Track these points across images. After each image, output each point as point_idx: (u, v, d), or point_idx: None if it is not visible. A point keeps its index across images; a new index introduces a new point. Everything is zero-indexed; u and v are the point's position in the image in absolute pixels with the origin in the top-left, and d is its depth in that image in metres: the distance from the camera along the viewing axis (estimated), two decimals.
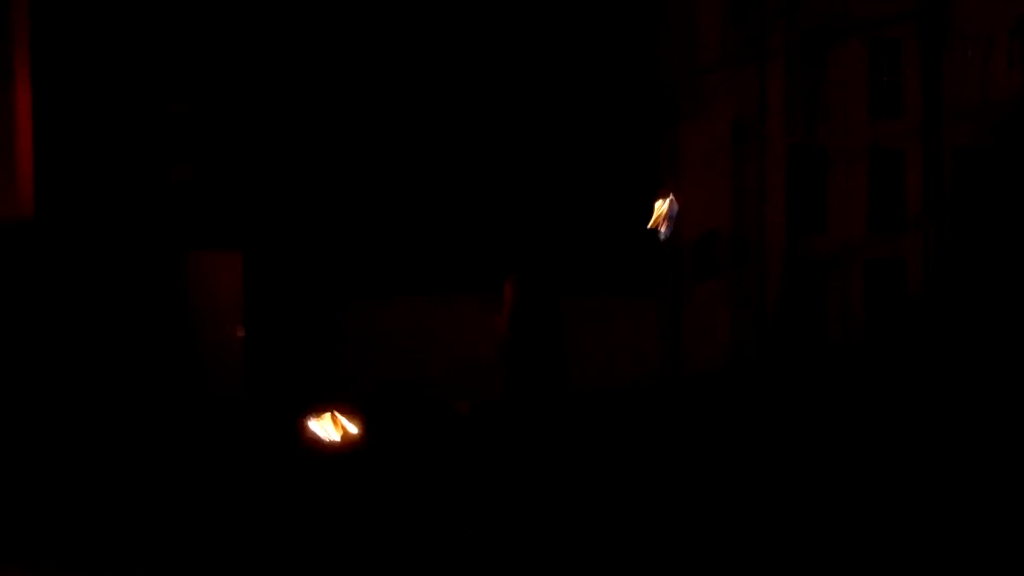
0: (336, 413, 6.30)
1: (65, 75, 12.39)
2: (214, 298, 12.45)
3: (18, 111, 12.12)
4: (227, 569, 6.73)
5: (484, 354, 8.79)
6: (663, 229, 7.14)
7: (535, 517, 7.00)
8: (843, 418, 11.74)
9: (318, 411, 6.37)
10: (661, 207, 7.01)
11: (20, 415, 10.97)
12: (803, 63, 13.44)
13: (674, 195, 7.30)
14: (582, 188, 13.22)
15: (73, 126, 12.52)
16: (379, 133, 13.35)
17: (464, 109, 13.34)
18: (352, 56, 13.28)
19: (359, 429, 6.36)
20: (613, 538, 7.17)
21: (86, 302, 12.06)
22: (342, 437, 6.22)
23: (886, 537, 7.32)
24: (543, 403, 7.39)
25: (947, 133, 13.66)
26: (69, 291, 12.02)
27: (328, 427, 6.25)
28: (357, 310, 13.03)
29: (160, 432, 11.14)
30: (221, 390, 12.23)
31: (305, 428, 6.40)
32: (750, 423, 11.53)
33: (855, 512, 7.92)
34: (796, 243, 13.51)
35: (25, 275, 11.81)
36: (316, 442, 6.37)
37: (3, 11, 11.89)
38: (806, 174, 13.56)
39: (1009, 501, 8.18)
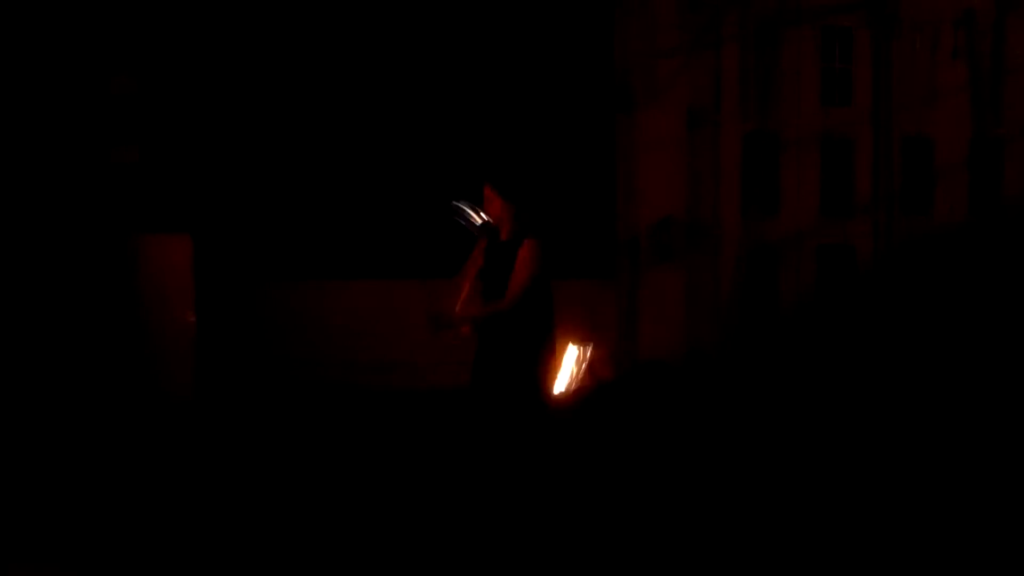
0: None
1: (1, 53, 12.01)
2: (163, 282, 12.16)
3: None
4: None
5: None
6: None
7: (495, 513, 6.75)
8: (798, 397, 11.91)
9: None
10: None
11: None
12: (757, 50, 13.57)
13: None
14: (536, 173, 13.16)
15: (12, 107, 12.14)
16: (330, 113, 13.19)
17: (415, 90, 13.23)
18: (303, 32, 13.10)
19: None
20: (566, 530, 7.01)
21: (29, 287, 11.69)
22: None
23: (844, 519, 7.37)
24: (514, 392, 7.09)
25: (895, 121, 13.91)
26: (13, 276, 11.65)
27: None
28: (315, 292, 12.85)
29: (108, 420, 10.82)
30: (171, 375, 11.95)
31: None
32: (707, 406, 11.61)
33: (815, 494, 7.97)
34: (750, 228, 13.65)
35: None
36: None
37: None
38: (760, 160, 13.71)
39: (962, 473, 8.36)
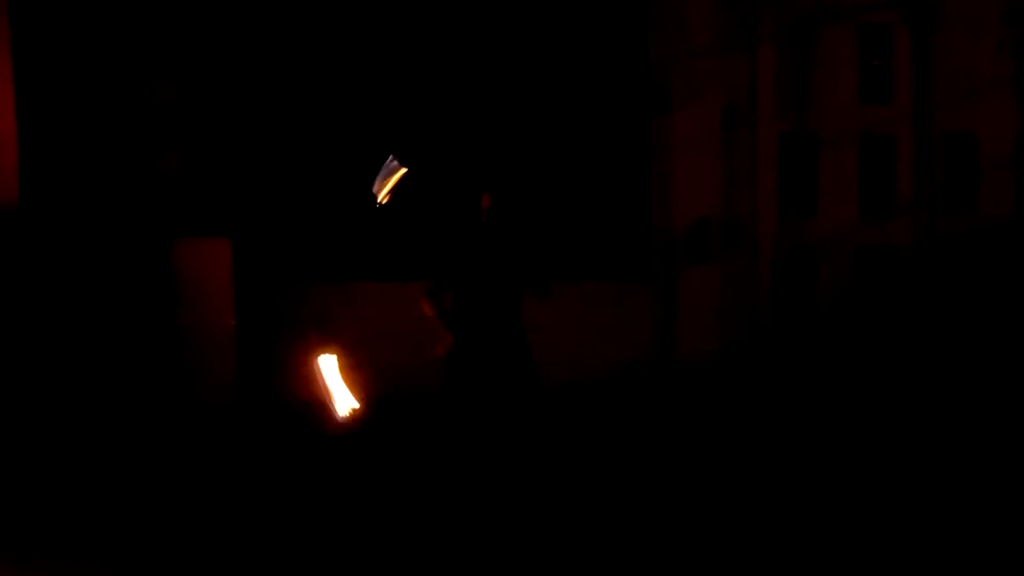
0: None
1: (48, 60, 12.26)
2: (203, 286, 12.34)
3: None
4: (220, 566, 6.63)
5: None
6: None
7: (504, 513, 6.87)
8: (836, 402, 11.75)
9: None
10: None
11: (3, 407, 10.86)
12: (793, 48, 13.43)
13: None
14: (573, 174, 13.18)
15: (57, 113, 12.39)
16: (367, 118, 13.28)
17: (452, 96, 13.28)
18: (340, 41, 13.20)
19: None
20: (589, 534, 7.06)
21: (73, 292, 11.93)
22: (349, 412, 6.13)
23: (879, 527, 7.29)
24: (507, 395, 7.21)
25: (937, 119, 13.68)
26: (56, 281, 11.89)
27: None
28: (352, 294, 12.96)
29: (150, 423, 11.02)
30: (212, 378, 12.13)
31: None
32: (743, 409, 11.51)
33: (848, 499, 7.89)
34: (787, 228, 13.51)
35: (10, 266, 11.68)
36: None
37: None
38: (797, 160, 13.56)
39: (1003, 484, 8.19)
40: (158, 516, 7.62)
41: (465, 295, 7.16)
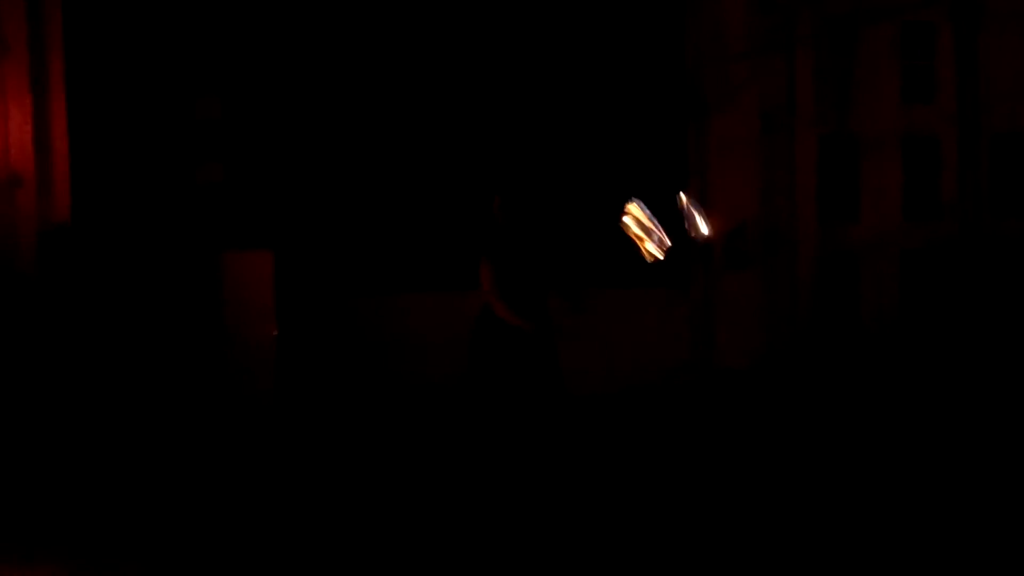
0: None
1: (96, 79, 12.55)
2: (246, 298, 12.54)
3: (53, 115, 12.26)
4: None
5: None
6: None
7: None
8: (878, 414, 11.52)
9: None
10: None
11: (61, 414, 11.18)
12: (832, 50, 13.20)
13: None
14: (608, 179, 13.11)
15: (105, 129, 12.68)
16: (410, 130, 13.37)
17: (490, 102, 13.30)
18: (383, 54, 13.30)
19: None
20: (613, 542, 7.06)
21: (122, 305, 12.21)
22: None
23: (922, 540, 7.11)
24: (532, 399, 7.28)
25: (984, 118, 13.33)
26: (105, 295, 12.18)
27: None
28: (390, 307, 13.05)
29: (193, 429, 11.31)
30: (254, 389, 12.33)
31: None
32: (781, 418, 11.37)
33: (890, 510, 7.73)
34: (828, 233, 13.28)
35: (63, 279, 11.99)
36: None
37: (38, 15, 12.03)
38: (837, 163, 13.32)
39: None
40: (176, 512, 8.01)
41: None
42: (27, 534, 7.49)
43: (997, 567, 6.45)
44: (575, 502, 7.57)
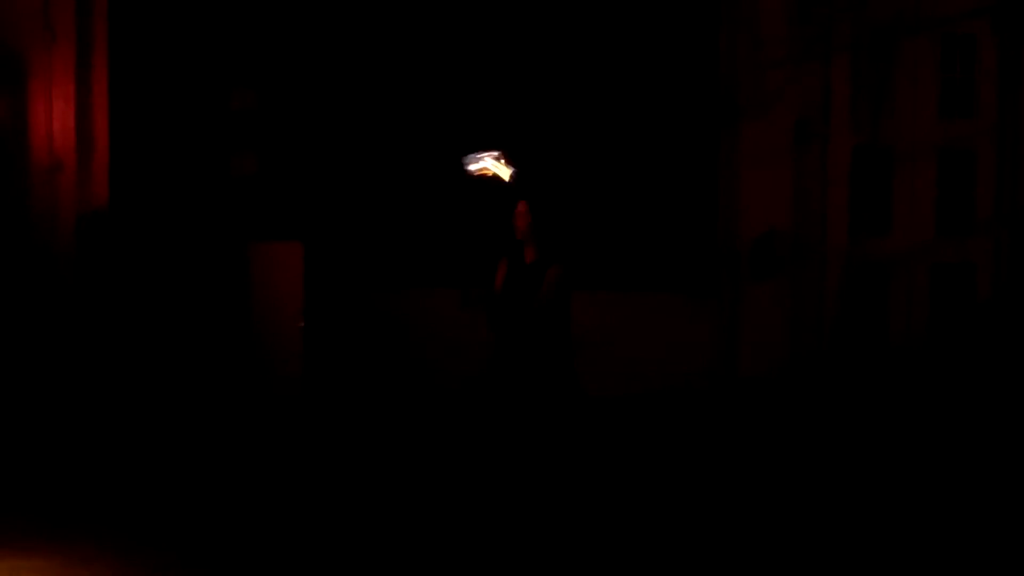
0: None
1: (137, 69, 12.70)
2: (275, 288, 12.68)
3: (95, 104, 12.44)
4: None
5: None
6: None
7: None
8: (900, 426, 11.36)
9: None
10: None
11: (94, 396, 11.41)
12: (870, 60, 13.01)
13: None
14: (639, 185, 13.07)
15: (143, 119, 12.84)
16: (439, 127, 13.39)
17: (522, 104, 13.29)
18: (414, 52, 13.33)
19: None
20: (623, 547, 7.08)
21: (155, 290, 12.40)
22: None
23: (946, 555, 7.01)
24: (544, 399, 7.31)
25: None
26: (139, 279, 12.38)
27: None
28: (414, 301, 13.13)
29: (223, 416, 11.49)
30: (281, 378, 12.48)
31: None
32: (801, 428, 11.26)
33: (915, 523, 7.64)
34: (858, 245, 13.12)
35: (99, 262, 12.19)
36: None
37: (86, 7, 12.20)
38: (870, 174, 13.15)
39: None
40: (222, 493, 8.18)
41: (497, 307, 7.28)
42: (57, 513, 7.66)
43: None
44: (577, 503, 7.56)
